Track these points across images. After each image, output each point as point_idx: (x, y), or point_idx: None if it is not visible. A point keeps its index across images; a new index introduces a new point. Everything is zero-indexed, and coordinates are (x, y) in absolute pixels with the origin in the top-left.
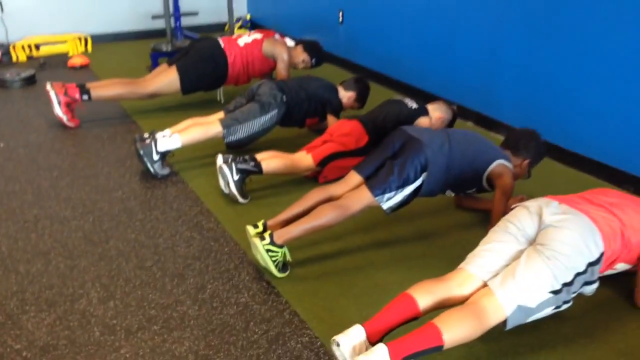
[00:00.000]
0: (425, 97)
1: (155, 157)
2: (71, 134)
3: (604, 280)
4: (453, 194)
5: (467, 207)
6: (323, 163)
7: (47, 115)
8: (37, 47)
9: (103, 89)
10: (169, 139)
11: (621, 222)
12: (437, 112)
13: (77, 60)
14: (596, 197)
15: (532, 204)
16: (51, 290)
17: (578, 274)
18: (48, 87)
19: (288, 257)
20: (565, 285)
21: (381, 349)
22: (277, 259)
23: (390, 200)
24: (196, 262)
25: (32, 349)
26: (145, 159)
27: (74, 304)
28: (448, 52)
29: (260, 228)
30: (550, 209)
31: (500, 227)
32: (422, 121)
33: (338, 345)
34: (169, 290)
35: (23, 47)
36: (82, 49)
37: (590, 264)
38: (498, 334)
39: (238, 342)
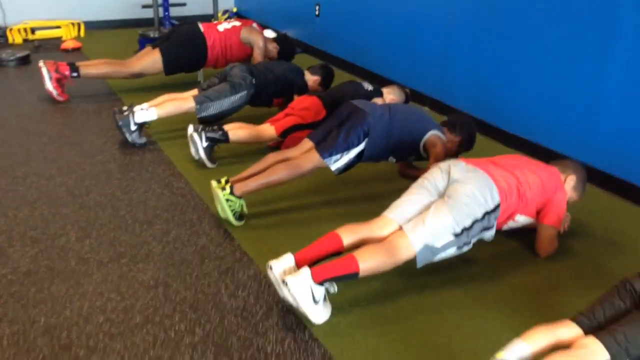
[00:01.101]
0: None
1: (133, 127)
2: (60, 107)
3: (513, 234)
4: (395, 160)
5: (409, 175)
6: (284, 134)
7: (38, 91)
8: (33, 31)
9: (91, 68)
10: (146, 112)
11: (518, 180)
12: (390, 95)
13: (69, 44)
14: (501, 160)
15: (444, 164)
16: (35, 231)
17: (476, 221)
18: (40, 64)
19: (245, 209)
20: (465, 229)
21: (305, 270)
22: (234, 209)
23: (337, 162)
24: (164, 213)
25: (16, 274)
26: (124, 129)
27: (55, 241)
28: (409, 45)
29: (223, 183)
30: (457, 167)
31: (418, 182)
32: (376, 101)
33: (271, 268)
34: (138, 233)
35: (19, 31)
36: (75, 34)
37: (487, 213)
38: (414, 272)
39: (193, 273)
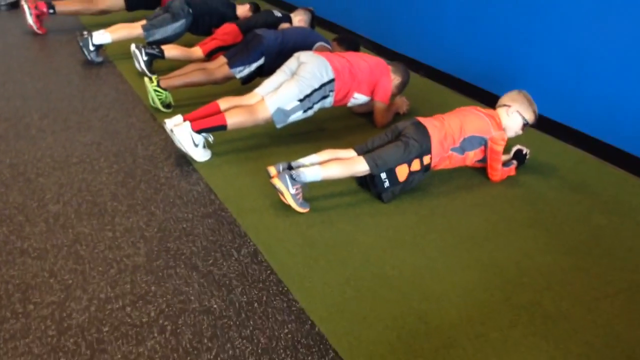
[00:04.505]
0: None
1: (92, 48)
2: (39, 38)
3: (360, 115)
4: None
5: None
6: (210, 54)
7: (23, 28)
8: None
9: (65, 6)
10: (102, 35)
11: (350, 64)
12: (298, 17)
13: None
14: (346, 54)
15: (297, 53)
16: (8, 114)
17: (314, 90)
18: (22, 2)
19: (171, 100)
20: (307, 96)
21: (186, 123)
22: (162, 99)
23: (241, 72)
24: (107, 104)
25: None
26: (84, 49)
27: (22, 120)
28: None
29: (154, 79)
30: (305, 54)
31: (280, 68)
32: (284, 26)
33: (165, 123)
34: (86, 115)
35: None
36: None
37: (323, 85)
38: (279, 134)
39: (120, 137)
